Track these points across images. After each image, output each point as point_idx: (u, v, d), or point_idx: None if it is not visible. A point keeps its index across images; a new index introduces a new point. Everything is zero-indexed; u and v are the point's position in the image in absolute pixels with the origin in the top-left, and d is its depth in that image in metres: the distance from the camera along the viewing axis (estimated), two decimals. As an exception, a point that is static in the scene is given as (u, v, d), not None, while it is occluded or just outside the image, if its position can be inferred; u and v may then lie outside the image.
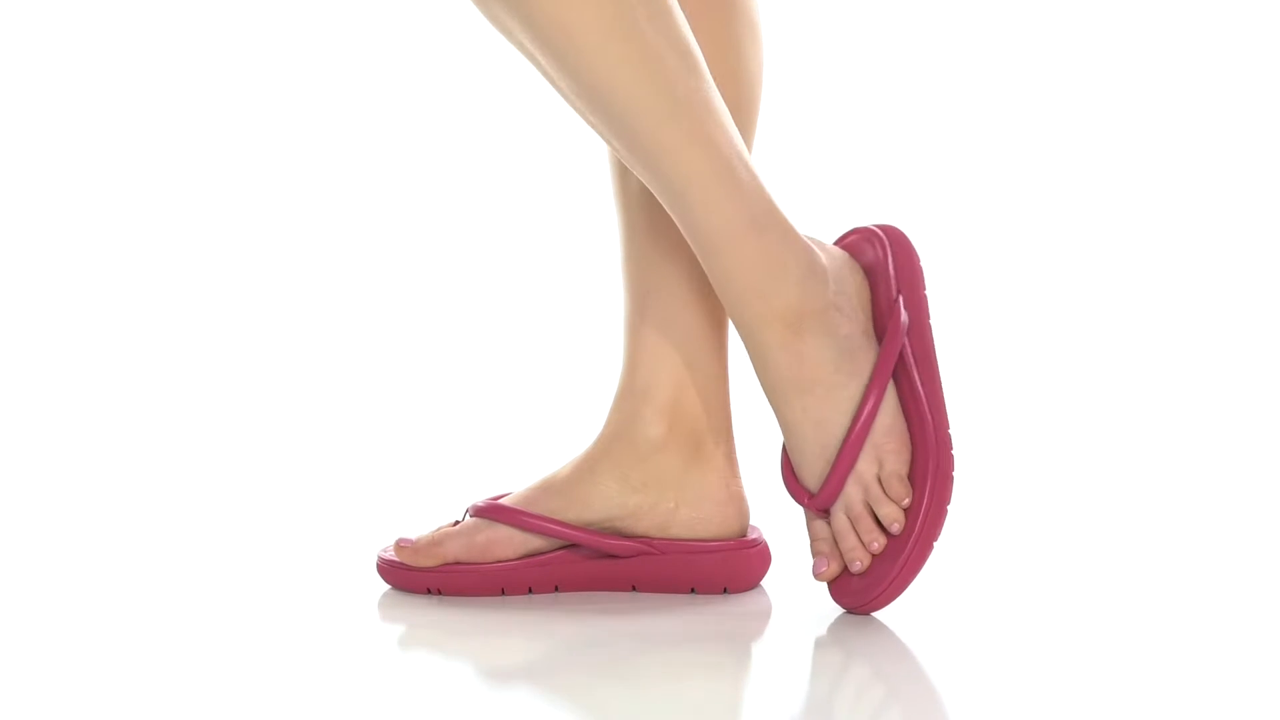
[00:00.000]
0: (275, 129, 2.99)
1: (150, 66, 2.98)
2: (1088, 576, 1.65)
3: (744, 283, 1.51)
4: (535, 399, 2.56)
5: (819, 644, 1.47)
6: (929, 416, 1.50)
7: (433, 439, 2.34)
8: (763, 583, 1.61)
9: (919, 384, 1.51)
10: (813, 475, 1.52)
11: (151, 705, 1.33)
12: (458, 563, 1.59)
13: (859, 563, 1.51)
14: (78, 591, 1.62)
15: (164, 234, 2.92)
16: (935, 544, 1.49)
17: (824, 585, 1.57)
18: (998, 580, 1.65)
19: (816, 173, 2.93)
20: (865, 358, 1.52)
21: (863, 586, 1.51)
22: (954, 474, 1.50)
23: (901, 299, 1.53)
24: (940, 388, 1.52)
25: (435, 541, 1.60)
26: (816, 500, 1.52)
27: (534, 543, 1.60)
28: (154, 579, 1.66)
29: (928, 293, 1.54)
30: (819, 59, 2.95)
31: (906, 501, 1.50)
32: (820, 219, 2.88)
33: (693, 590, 1.59)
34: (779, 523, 1.71)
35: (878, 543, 1.50)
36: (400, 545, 1.60)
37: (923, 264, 1.55)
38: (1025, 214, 2.93)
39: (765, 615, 1.54)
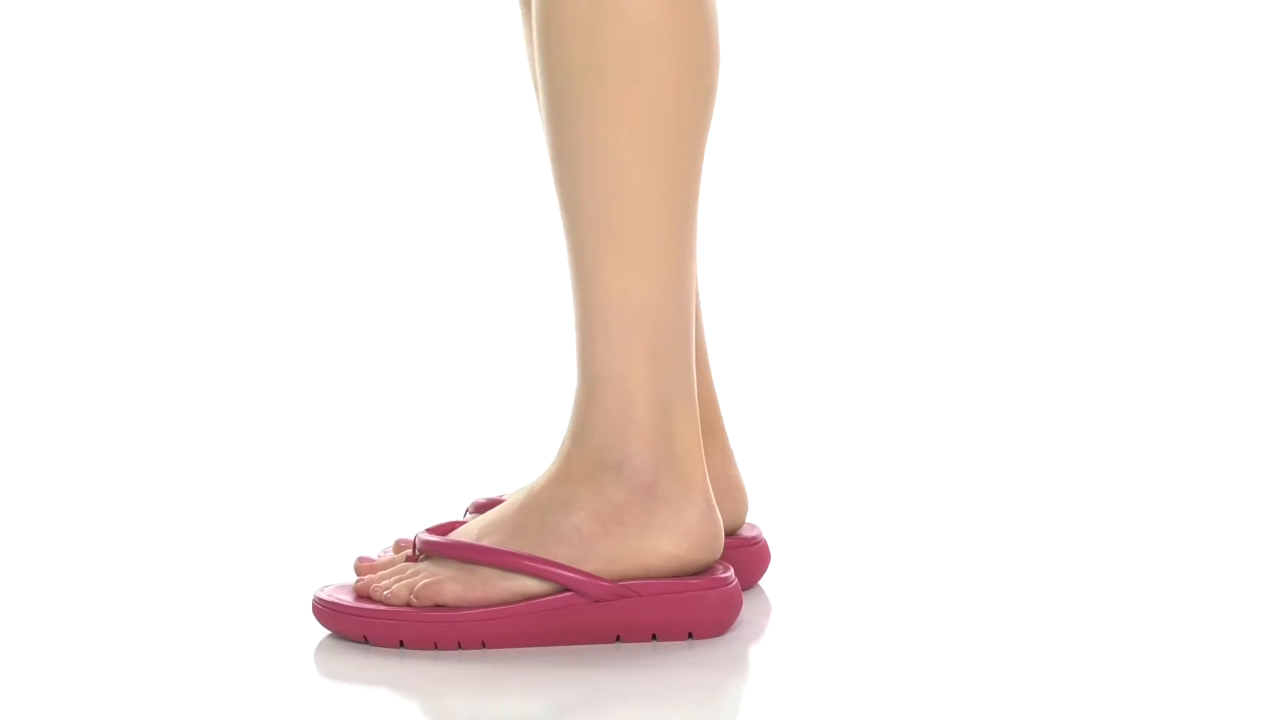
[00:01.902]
0: (273, 128, 2.99)
1: (146, 65, 2.99)
2: (1090, 580, 1.65)
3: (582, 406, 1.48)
4: (537, 395, 2.56)
5: (818, 645, 1.47)
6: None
7: (439, 436, 2.34)
8: (762, 583, 1.59)
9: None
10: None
11: (152, 706, 1.34)
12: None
13: None
14: (59, 593, 1.62)
15: (158, 235, 2.93)
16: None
17: (824, 585, 1.57)
18: (997, 582, 1.65)
19: (807, 167, 2.94)
20: (554, 549, 1.43)
21: None
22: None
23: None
24: None
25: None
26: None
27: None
28: (149, 581, 1.66)
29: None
30: (793, 53, 2.95)
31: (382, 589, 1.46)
32: (804, 219, 2.88)
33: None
34: (779, 522, 1.71)
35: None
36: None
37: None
38: (1018, 214, 2.93)
39: (765, 615, 1.53)
